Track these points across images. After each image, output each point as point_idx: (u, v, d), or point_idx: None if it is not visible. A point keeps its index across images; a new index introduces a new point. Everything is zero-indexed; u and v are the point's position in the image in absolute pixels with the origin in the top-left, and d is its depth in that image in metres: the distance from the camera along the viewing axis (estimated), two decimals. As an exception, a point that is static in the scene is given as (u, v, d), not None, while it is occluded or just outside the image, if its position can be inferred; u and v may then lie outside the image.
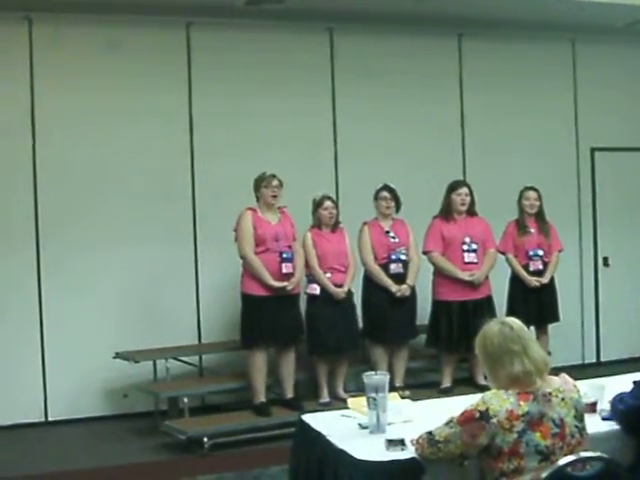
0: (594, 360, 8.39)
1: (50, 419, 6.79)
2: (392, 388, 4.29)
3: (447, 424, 3.11)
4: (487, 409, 3.02)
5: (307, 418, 3.84)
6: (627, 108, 8.34)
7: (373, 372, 3.81)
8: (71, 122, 6.80)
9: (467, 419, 3.05)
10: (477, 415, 3.03)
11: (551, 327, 7.11)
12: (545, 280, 7.00)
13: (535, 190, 7.07)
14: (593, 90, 8.27)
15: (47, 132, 6.77)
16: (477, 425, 3.02)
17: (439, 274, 6.85)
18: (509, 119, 7.99)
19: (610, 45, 8.18)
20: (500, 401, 3.03)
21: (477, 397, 3.12)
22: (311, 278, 6.53)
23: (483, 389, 3.24)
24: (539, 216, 7.09)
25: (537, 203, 7.07)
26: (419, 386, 6.77)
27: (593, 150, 8.39)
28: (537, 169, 7.77)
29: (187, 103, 7.14)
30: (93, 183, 6.87)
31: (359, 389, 4.10)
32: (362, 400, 3.72)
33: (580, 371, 4.40)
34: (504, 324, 3.17)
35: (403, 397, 4.28)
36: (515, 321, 3.21)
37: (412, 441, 3.24)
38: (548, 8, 7.27)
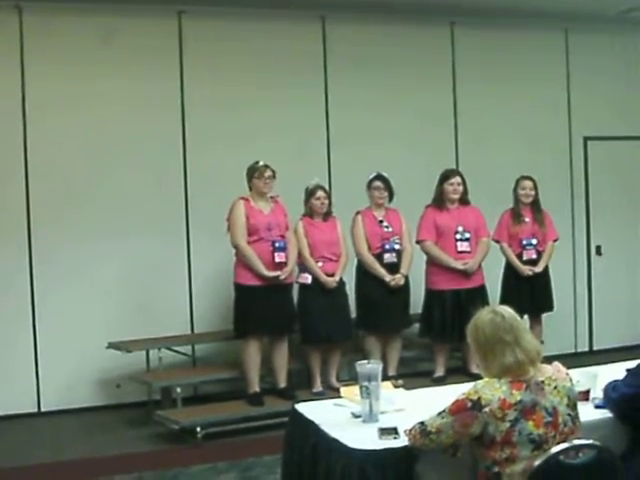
0: (587, 349, 8.41)
1: (43, 409, 6.79)
2: (385, 377, 4.28)
3: (439, 414, 3.10)
4: (479, 398, 3.00)
5: (300, 407, 3.84)
6: (620, 97, 8.33)
7: (366, 361, 3.80)
8: (62, 111, 6.78)
9: (459, 408, 3.04)
10: (469, 404, 3.01)
11: (544, 316, 7.12)
12: (539, 269, 7.00)
13: (531, 179, 7.06)
14: (586, 79, 8.27)
15: (38, 121, 6.75)
16: (469, 414, 3.00)
17: (432, 263, 6.85)
18: (502, 108, 7.99)
19: (603, 33, 8.18)
20: (492, 390, 3.02)
21: (469, 386, 3.11)
22: (302, 267, 6.52)
23: (476, 378, 3.21)
24: (534, 205, 7.08)
25: (532, 192, 7.05)
26: (412, 375, 6.77)
27: (586, 139, 8.38)
28: (530, 158, 7.75)
29: (179, 92, 7.11)
30: (84, 172, 6.85)
31: (352, 378, 4.09)
32: (355, 389, 3.71)
33: (573, 360, 4.39)
34: (496, 313, 3.15)
35: (396, 386, 4.27)
36: (507, 310, 3.19)
37: (405, 431, 3.23)
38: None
